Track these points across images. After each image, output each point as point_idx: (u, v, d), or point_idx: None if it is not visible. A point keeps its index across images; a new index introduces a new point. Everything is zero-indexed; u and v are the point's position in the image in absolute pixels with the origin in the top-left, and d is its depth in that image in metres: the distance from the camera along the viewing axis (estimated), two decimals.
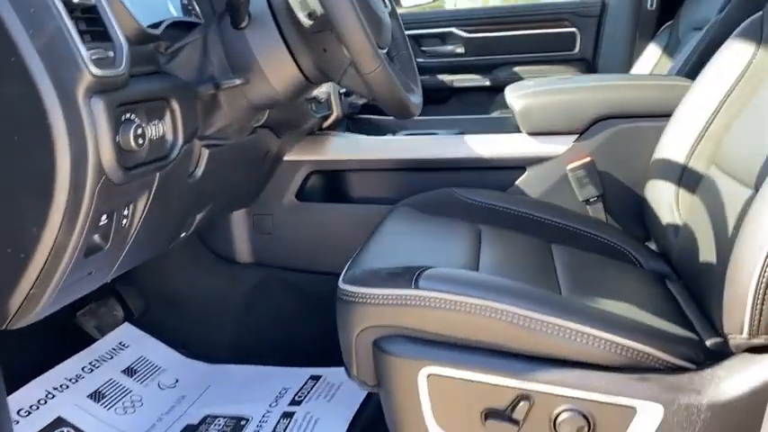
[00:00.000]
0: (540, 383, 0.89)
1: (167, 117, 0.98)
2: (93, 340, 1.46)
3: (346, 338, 0.97)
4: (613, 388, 0.88)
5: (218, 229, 1.62)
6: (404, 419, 0.95)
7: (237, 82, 1.06)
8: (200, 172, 1.15)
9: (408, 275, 0.94)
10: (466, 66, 2.61)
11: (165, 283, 1.62)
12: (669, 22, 2.25)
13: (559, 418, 0.89)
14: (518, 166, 1.48)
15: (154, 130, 0.95)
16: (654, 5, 2.31)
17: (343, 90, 1.64)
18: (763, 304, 0.82)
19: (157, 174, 0.98)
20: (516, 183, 1.49)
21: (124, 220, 0.97)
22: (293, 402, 1.36)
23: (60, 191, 0.80)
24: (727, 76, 1.23)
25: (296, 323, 1.59)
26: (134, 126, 0.87)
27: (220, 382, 1.47)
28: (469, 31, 2.58)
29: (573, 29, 2.52)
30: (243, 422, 1.31)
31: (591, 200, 1.43)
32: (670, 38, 2.18)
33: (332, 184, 1.60)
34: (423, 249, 1.15)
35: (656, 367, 0.90)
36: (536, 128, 1.46)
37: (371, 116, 1.79)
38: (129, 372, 1.45)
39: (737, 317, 0.85)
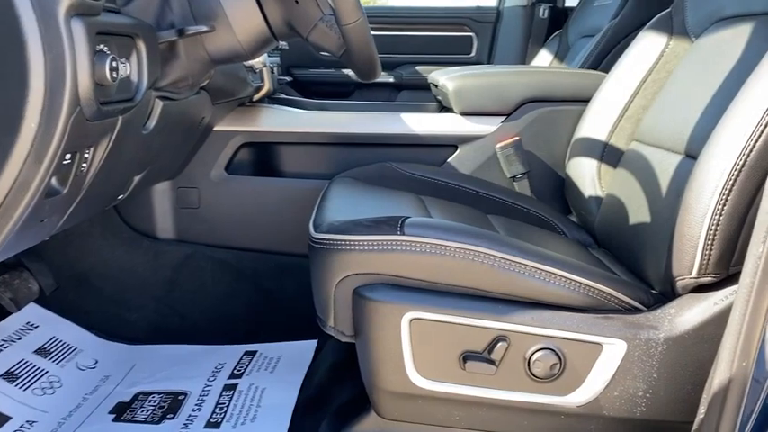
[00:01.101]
0: (517, 324, 0.94)
1: (134, 57, 0.94)
2: (8, 313, 1.31)
3: (324, 288, 0.97)
4: (582, 327, 0.95)
5: (137, 203, 1.53)
6: (383, 367, 0.96)
7: (203, 28, 1.03)
8: (152, 124, 1.09)
9: (393, 222, 0.96)
10: None
11: (77, 259, 1.50)
12: (559, 31, 2.45)
13: (534, 357, 0.95)
14: (451, 144, 1.55)
15: (123, 69, 0.90)
16: (545, 14, 2.50)
17: (272, 64, 1.62)
18: (713, 245, 0.93)
19: (120, 117, 0.93)
20: (449, 160, 1.55)
21: (84, 165, 0.91)
22: (233, 376, 1.31)
23: (31, 118, 0.74)
24: (643, 64, 1.38)
25: (224, 302, 1.54)
26: (109, 59, 0.82)
27: (146, 361, 1.38)
28: (375, 29, 2.64)
29: (471, 33, 2.67)
30: (181, 397, 1.24)
31: (518, 176, 1.52)
32: (560, 44, 2.38)
33: (264, 158, 1.57)
34: (381, 208, 1.17)
35: (617, 308, 0.98)
36: (468, 108, 1.53)
37: (293, 97, 1.78)
38: (42, 352, 1.32)
39: (687, 259, 0.96)
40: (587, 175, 1.42)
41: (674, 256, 0.98)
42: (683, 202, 0.97)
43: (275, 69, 1.61)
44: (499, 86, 1.53)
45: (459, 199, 1.41)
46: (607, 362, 0.95)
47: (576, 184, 1.45)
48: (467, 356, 0.95)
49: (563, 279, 0.95)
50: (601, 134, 1.40)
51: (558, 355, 0.95)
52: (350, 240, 0.95)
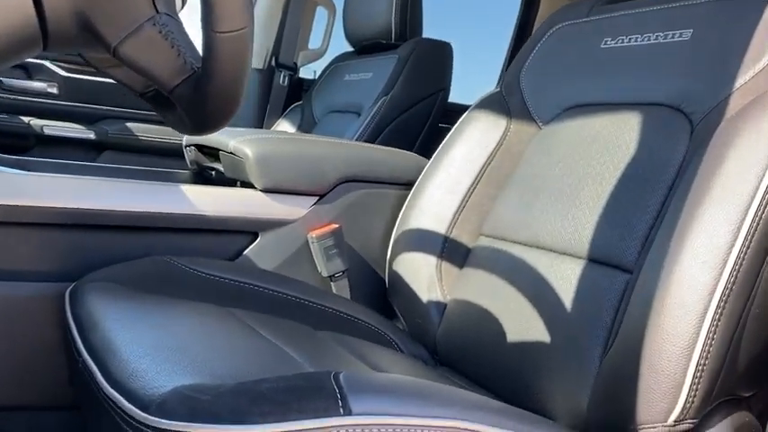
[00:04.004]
0: None
1: None
2: None
3: None
4: None
5: None
6: None
7: None
8: None
9: (322, 388, 0.54)
10: (60, 111, 2.04)
11: None
12: (299, 102, 2.21)
13: None
14: (249, 230, 1.14)
15: None
16: (285, 82, 2.24)
17: None
18: (701, 379, 0.73)
19: None
20: (246, 252, 1.13)
21: None
22: None
23: None
24: (481, 148, 1.20)
25: None
26: None
27: None
28: (68, 70, 2.04)
29: None
30: None
31: (336, 275, 1.18)
32: (303, 116, 2.14)
33: None
34: (199, 346, 0.72)
35: None
36: (273, 183, 1.15)
37: None
38: None
39: (662, 402, 0.74)
40: (424, 276, 1.16)
41: (639, 401, 0.76)
42: (650, 330, 0.76)
43: None
44: (313, 158, 1.19)
45: (275, 310, 1.01)
46: None
47: (408, 285, 1.17)
48: None
49: None
50: (438, 226, 1.16)
51: None
52: None
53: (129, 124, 2.11)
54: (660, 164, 0.90)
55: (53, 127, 2.01)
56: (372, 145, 1.42)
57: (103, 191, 1.02)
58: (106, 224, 1.01)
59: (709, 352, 0.72)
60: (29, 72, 2.00)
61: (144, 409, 0.53)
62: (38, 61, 1.98)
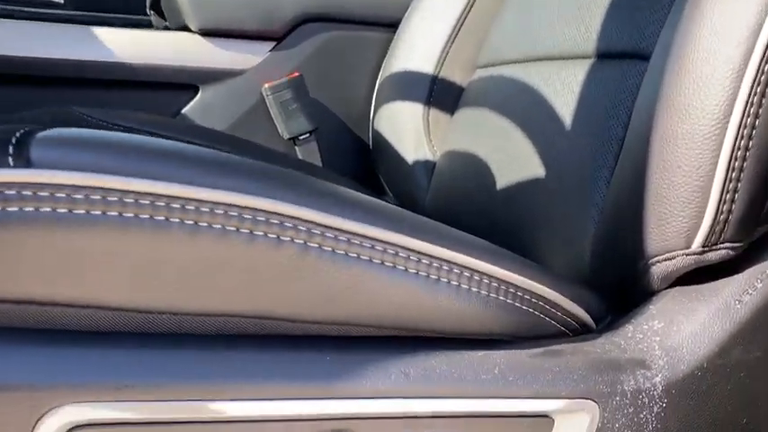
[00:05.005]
0: (364, 399, 0.37)
1: None
2: None
3: None
4: (506, 382, 0.40)
5: None
6: None
7: None
8: None
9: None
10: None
11: None
12: None
13: None
14: (187, 82, 0.93)
15: None
16: None
17: None
18: (736, 192, 0.45)
19: None
20: (184, 110, 0.93)
21: None
22: None
23: None
24: None
25: None
26: None
27: None
28: None
29: None
30: None
31: (301, 137, 0.95)
32: None
33: None
34: None
35: (559, 330, 0.46)
36: (214, 23, 0.93)
37: None
38: None
39: (682, 223, 0.47)
40: (409, 131, 0.91)
41: (647, 222, 0.49)
42: (667, 142, 0.48)
43: None
44: None
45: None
46: None
47: (392, 147, 0.93)
48: None
49: (462, 275, 0.40)
50: (424, 65, 0.90)
51: None
52: None
53: None
54: None
55: None
56: None
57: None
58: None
59: (746, 147, 0.44)
60: None
61: None
62: None
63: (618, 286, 0.54)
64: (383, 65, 0.96)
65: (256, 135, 0.94)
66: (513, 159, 0.71)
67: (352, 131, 1.01)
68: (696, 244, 0.47)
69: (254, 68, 0.95)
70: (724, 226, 0.46)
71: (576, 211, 0.61)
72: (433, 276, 0.39)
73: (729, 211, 0.46)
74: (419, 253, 0.38)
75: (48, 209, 0.30)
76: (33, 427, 0.30)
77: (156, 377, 0.31)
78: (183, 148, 0.39)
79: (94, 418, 0.30)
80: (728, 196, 0.45)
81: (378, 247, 0.37)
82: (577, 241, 0.59)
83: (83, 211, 0.31)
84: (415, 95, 0.91)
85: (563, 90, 0.68)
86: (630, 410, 0.43)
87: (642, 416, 0.44)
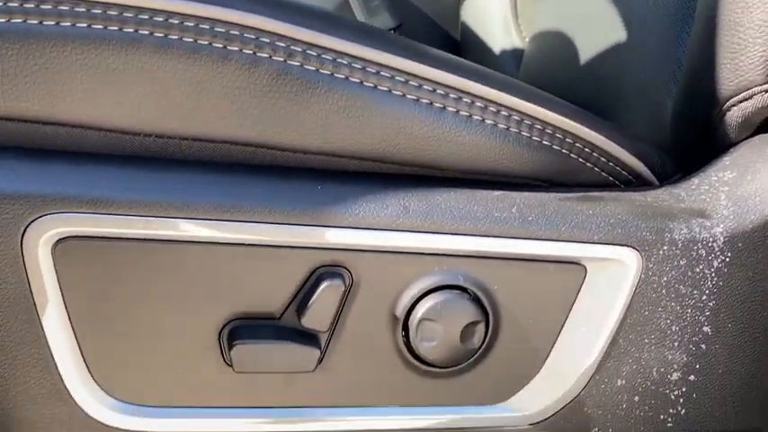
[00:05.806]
0: (366, 230, 0.35)
1: None
2: None
3: None
4: (539, 225, 0.36)
5: None
6: None
7: None
8: None
9: None
10: None
11: None
12: None
13: (419, 313, 0.36)
14: None
15: None
16: None
17: None
18: None
19: None
20: None
21: None
22: None
23: None
24: None
25: None
26: None
27: None
28: None
29: None
30: None
31: None
32: None
33: None
34: None
35: (606, 180, 0.41)
36: None
37: None
38: None
39: (761, 52, 0.39)
40: (496, 19, 0.85)
41: (721, 57, 0.42)
42: None
43: None
44: None
45: None
46: (598, 307, 0.38)
47: (478, 38, 0.88)
48: (235, 332, 0.35)
49: (473, 104, 0.36)
50: None
51: (481, 302, 0.36)
52: None
53: None
54: None
55: None
56: None
57: None
58: None
59: None
60: None
61: None
62: None
63: (697, 146, 0.47)
64: None
65: None
66: (598, 29, 0.64)
67: (438, 26, 0.96)
68: None
69: None
70: None
71: (659, 68, 0.54)
72: (438, 104, 0.35)
73: None
74: (420, 78, 0.35)
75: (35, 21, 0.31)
76: (21, 238, 0.31)
77: (135, 194, 0.32)
78: None
79: (77, 231, 0.31)
80: None
81: (370, 69, 0.34)
82: (660, 102, 0.52)
83: (84, 25, 0.31)
84: None
85: None
86: (682, 263, 0.38)
87: (698, 270, 0.38)
